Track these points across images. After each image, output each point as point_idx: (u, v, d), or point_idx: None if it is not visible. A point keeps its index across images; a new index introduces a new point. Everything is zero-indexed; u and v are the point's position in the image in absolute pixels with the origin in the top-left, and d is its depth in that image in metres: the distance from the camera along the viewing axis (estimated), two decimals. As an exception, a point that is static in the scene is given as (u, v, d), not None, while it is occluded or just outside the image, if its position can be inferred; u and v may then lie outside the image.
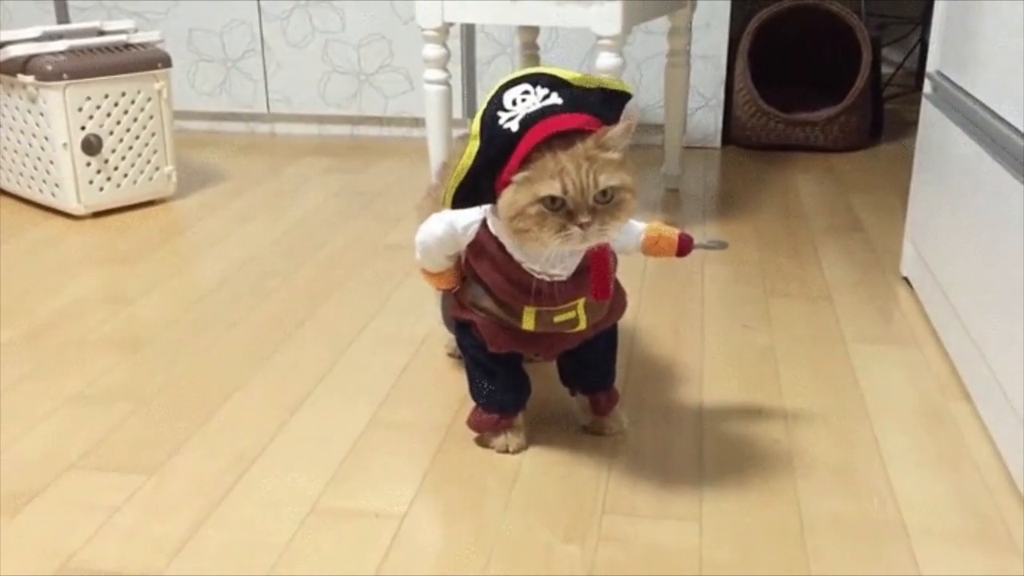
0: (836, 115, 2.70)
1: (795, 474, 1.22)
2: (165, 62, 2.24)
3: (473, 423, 1.27)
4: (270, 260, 1.97)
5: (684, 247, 1.22)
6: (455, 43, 2.76)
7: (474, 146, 1.07)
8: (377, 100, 2.90)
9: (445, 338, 1.52)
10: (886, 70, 3.07)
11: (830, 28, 2.75)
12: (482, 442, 1.27)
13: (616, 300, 1.22)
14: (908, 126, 3.00)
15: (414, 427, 1.34)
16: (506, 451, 1.25)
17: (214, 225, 2.18)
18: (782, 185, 2.46)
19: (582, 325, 1.18)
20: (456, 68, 2.77)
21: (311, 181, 2.52)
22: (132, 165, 2.24)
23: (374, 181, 2.52)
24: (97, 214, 2.22)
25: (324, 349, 1.57)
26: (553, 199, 1.04)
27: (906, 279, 1.81)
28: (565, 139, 1.04)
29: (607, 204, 1.05)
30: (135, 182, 2.25)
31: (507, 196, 1.06)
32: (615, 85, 1.10)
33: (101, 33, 2.26)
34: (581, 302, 1.16)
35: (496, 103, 1.06)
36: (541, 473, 1.23)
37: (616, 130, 1.04)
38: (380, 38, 2.83)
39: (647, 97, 2.75)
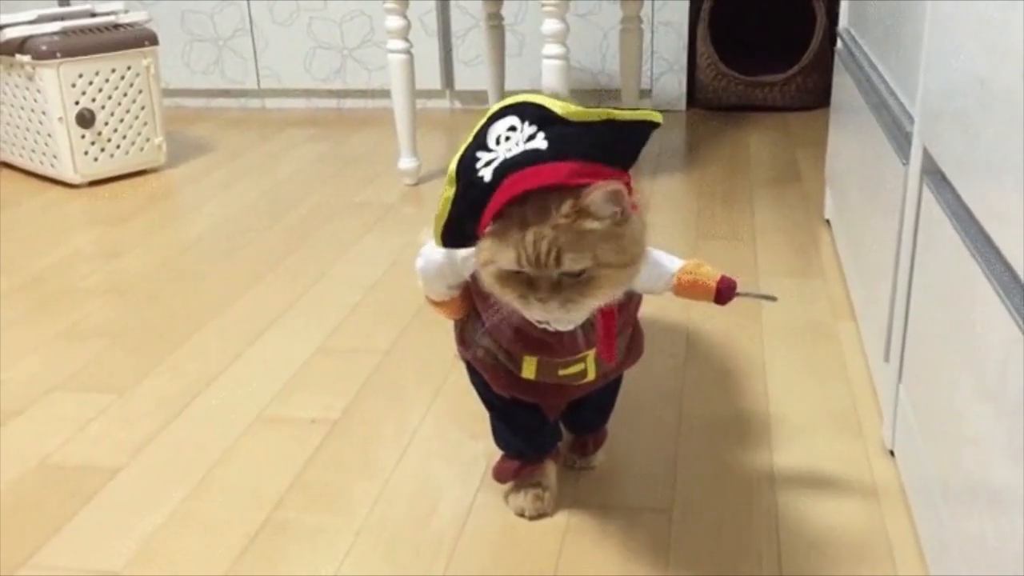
0: (793, 76, 2.83)
1: (684, 382, 1.38)
2: (152, 40, 2.42)
3: (495, 471, 1.14)
4: (248, 218, 2.14)
5: (724, 295, 1.01)
6: (431, 16, 2.91)
7: (449, 193, 0.91)
8: (360, 73, 3.06)
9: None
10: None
11: (788, -7, 2.88)
12: (506, 498, 1.13)
13: (632, 346, 1.08)
14: (870, 86, 3.12)
15: (356, 352, 1.51)
16: (521, 514, 1.10)
17: (201, 190, 2.36)
18: (736, 143, 2.60)
19: (590, 377, 1.04)
20: (433, 40, 2.92)
21: (295, 149, 2.70)
22: (124, 137, 2.42)
23: (354, 148, 2.69)
24: (93, 183, 2.40)
25: (285, 292, 1.74)
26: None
27: (827, 221, 1.95)
28: (540, 197, 0.86)
29: (576, 281, 0.87)
30: (127, 152, 2.43)
31: (479, 245, 0.91)
32: (632, 116, 0.90)
33: (93, 15, 2.44)
34: (591, 353, 1.01)
35: (479, 141, 0.92)
36: (461, 386, 1.39)
37: (597, 196, 0.85)
38: (361, 14, 2.98)
39: (613, 63, 2.89)
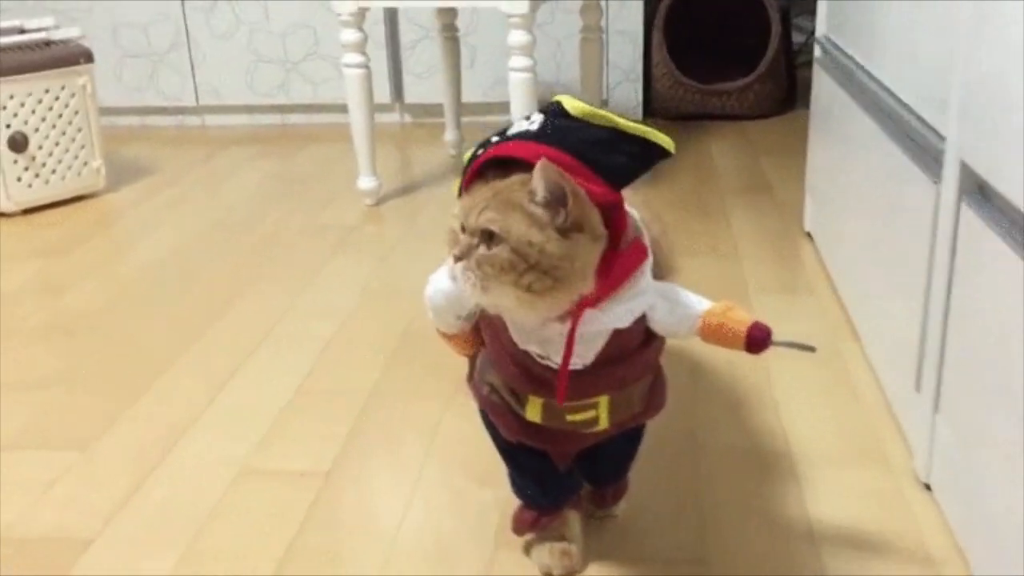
0: (750, 84, 2.80)
1: (696, 410, 1.31)
2: (87, 57, 2.27)
3: (513, 522, 1.05)
4: (201, 245, 2.01)
5: (756, 343, 0.91)
6: (379, 28, 2.81)
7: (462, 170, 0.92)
8: (305, 88, 2.94)
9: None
10: (798, 38, 3.17)
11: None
12: (527, 551, 1.05)
13: (653, 395, 0.98)
14: (822, 91, 3.11)
15: (338, 393, 1.40)
16: (548, 573, 1.02)
17: (145, 215, 2.22)
18: (698, 152, 2.55)
19: (603, 425, 0.95)
20: (381, 53, 2.82)
21: (241, 168, 2.57)
22: (60, 161, 2.26)
23: (303, 166, 2.57)
24: (28, 210, 2.24)
25: (252, 326, 1.63)
26: (462, 225, 0.86)
27: (808, 234, 1.91)
28: (503, 170, 0.85)
29: (485, 252, 0.83)
30: (64, 178, 2.28)
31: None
32: (638, 130, 0.87)
33: (22, 31, 2.28)
34: (604, 399, 0.93)
35: (501, 131, 0.91)
36: (458, 427, 1.30)
37: (538, 171, 0.81)
38: (304, 26, 2.86)
39: (568, 73, 2.82)
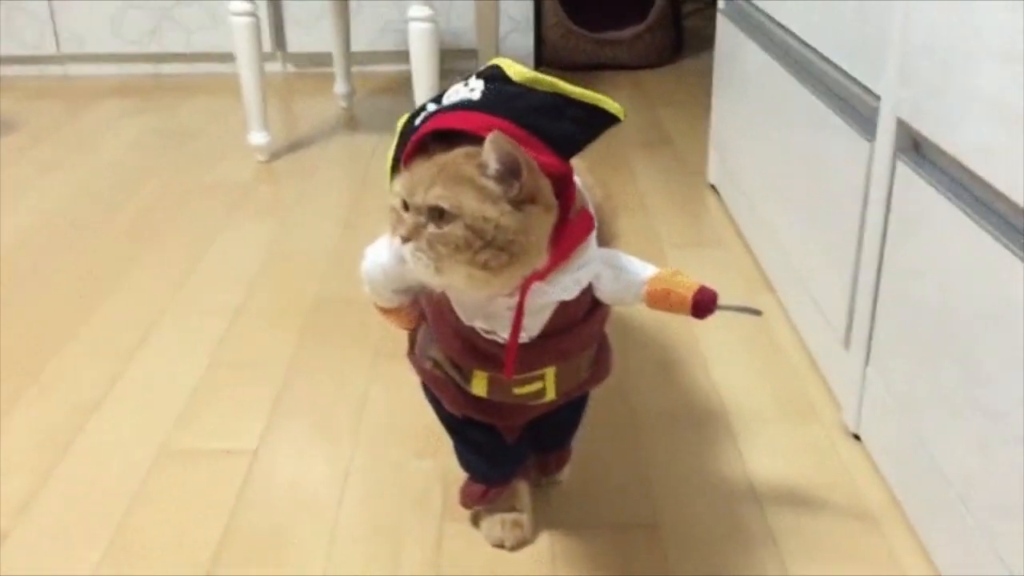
0: (641, 33, 2.80)
1: (628, 374, 1.31)
2: (-61, 3, 2.07)
3: (461, 496, 1.04)
4: (82, 209, 1.89)
5: (702, 308, 0.88)
6: (257, -27, 2.67)
7: (392, 144, 0.88)
8: (178, 36, 2.78)
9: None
10: (683, -13, 3.20)
11: (629, -53, 2.84)
12: (476, 522, 1.04)
13: (599, 363, 0.97)
14: (706, 41, 3.14)
15: (254, 365, 1.34)
16: (500, 545, 1.01)
17: (14, 178, 2.06)
18: (594, 103, 2.54)
19: (550, 396, 0.93)
20: (262, 0, 2.69)
21: (116, 124, 2.41)
22: (-87, 117, 2.07)
23: (183, 120, 2.44)
24: None
25: (150, 297, 1.54)
26: (404, 203, 0.82)
27: (712, 186, 1.93)
28: (455, 143, 0.81)
29: (436, 229, 0.79)
30: (-81, 135, 2.09)
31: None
32: (584, 96, 0.84)
33: None
34: (551, 371, 0.91)
35: (435, 98, 0.87)
36: (386, 398, 1.27)
37: (490, 144, 0.77)
38: (176, -31, 2.70)
39: (459, 22, 2.76)
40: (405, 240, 0.80)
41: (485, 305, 0.85)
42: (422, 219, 0.79)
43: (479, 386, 0.92)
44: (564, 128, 0.82)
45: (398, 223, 0.81)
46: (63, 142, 2.28)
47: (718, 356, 1.35)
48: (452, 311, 0.88)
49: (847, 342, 1.16)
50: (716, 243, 1.70)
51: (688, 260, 1.63)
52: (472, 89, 0.83)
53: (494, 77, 0.84)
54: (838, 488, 1.08)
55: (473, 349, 0.89)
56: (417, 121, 0.84)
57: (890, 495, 1.06)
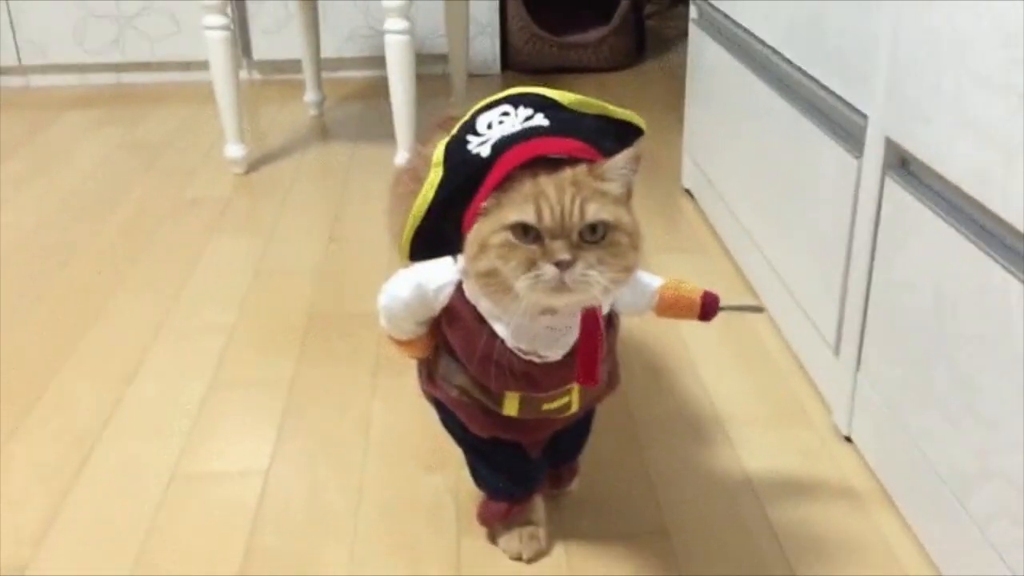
0: (605, 36, 2.84)
1: (623, 382, 1.34)
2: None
3: (481, 515, 1.06)
4: (60, 226, 1.88)
5: (708, 310, 0.98)
6: (221, -19, 2.66)
7: (436, 175, 0.84)
8: (141, 44, 2.76)
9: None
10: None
11: (591, -49, 2.87)
12: (492, 539, 1.06)
13: (612, 375, 1.01)
14: (667, 43, 3.20)
15: (256, 386, 1.36)
16: (518, 558, 1.04)
17: (-13, 194, 2.04)
18: (562, 108, 2.58)
19: (574, 409, 0.98)
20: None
21: (84, 136, 2.39)
22: None
23: (153, 132, 2.42)
24: None
25: (141, 319, 1.54)
26: (525, 228, 0.80)
27: (687, 191, 1.98)
28: (550, 166, 0.82)
29: (597, 244, 0.81)
30: None
31: (472, 231, 0.84)
32: (623, 115, 0.89)
33: None
34: (576, 385, 0.94)
35: (467, 128, 0.86)
36: (391, 415, 1.29)
37: (618, 158, 0.82)
38: (138, -21, 2.68)
39: (426, 25, 2.77)
40: (569, 264, 0.79)
41: (531, 326, 0.88)
42: (575, 239, 0.80)
43: (511, 406, 0.95)
44: (610, 146, 0.86)
45: (522, 256, 0.80)
46: (32, 156, 2.25)
47: (706, 361, 1.39)
48: (491, 337, 0.89)
49: (837, 350, 1.21)
50: (695, 248, 1.75)
51: (669, 265, 1.67)
52: (527, 117, 0.85)
53: (543, 105, 0.86)
54: (833, 489, 1.13)
55: (509, 371, 0.90)
56: (484, 152, 0.83)
57: (886, 496, 1.11)
